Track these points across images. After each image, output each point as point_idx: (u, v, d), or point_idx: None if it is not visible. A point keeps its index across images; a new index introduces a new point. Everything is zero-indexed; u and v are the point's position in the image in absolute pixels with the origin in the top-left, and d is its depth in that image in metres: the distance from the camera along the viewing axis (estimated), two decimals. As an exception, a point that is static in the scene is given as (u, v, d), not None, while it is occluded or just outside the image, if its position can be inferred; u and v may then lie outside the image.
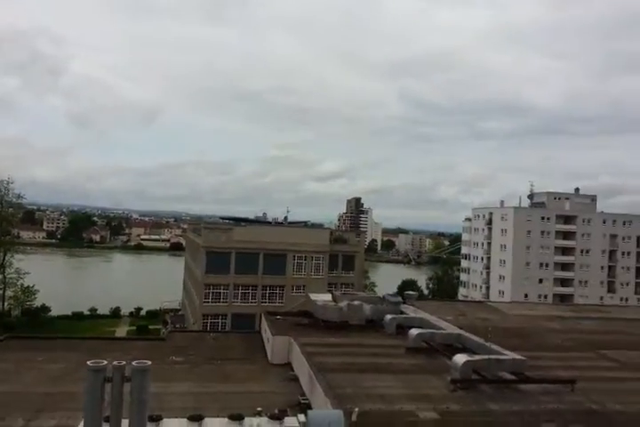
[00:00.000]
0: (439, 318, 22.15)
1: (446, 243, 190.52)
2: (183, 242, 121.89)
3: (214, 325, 43.59)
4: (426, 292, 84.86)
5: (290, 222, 56.87)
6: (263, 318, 23.07)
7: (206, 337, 24.02)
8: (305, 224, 59.44)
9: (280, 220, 57.52)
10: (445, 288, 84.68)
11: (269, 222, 56.72)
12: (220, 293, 44.67)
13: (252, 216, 60.41)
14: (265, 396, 14.16)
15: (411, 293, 29.11)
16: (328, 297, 24.53)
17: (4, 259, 55.97)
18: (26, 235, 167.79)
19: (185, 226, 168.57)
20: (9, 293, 57.40)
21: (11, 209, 60.54)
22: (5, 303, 57.79)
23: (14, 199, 59.05)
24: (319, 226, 65.38)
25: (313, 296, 24.40)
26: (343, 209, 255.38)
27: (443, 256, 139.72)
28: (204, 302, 44.21)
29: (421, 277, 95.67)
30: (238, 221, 55.39)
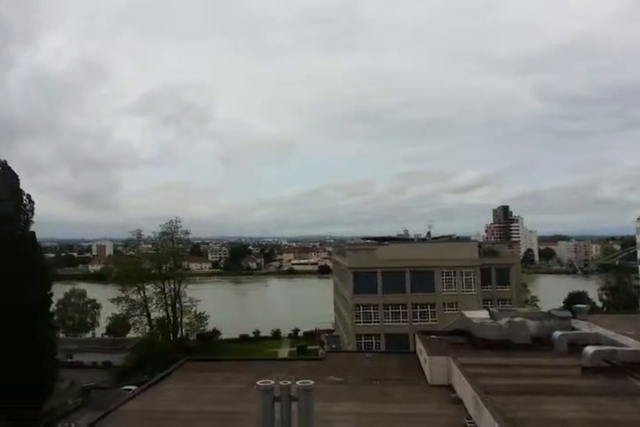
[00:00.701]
0: (619, 333, 19.54)
1: (617, 247, 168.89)
2: (330, 264, 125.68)
3: (368, 345, 43.79)
4: (599, 304, 75.69)
5: (433, 238, 55.49)
6: (417, 338, 22.56)
7: (362, 357, 24.18)
8: (450, 238, 57.53)
9: (423, 236, 56.43)
10: (622, 299, 74.61)
11: (412, 239, 55.95)
12: (369, 313, 44.91)
13: (393, 234, 60.20)
14: (429, 418, 13.72)
15: (581, 306, 26.18)
16: (485, 314, 23.17)
17: (178, 289, 63.30)
18: (194, 266, 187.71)
19: (329, 249, 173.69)
20: (185, 320, 64.43)
21: (180, 244, 68.66)
22: (183, 329, 64.89)
23: (182, 235, 67.11)
24: (465, 239, 62.82)
25: (468, 314, 23.26)
26: (489, 220, 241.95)
27: (614, 263, 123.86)
28: (356, 322, 44.78)
29: (591, 288, 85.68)
30: (380, 240, 55.65)
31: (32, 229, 37.22)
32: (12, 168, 37.07)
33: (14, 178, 37.10)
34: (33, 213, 37.47)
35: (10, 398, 32.54)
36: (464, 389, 15.10)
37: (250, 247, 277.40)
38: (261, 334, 72.66)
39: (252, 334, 72.24)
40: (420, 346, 21.49)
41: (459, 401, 15.24)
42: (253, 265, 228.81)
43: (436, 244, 50.69)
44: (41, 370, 34.14)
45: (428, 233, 56.31)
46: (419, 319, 44.21)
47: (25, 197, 37.21)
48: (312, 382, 6.82)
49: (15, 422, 32.65)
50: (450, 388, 16.82)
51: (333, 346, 53.28)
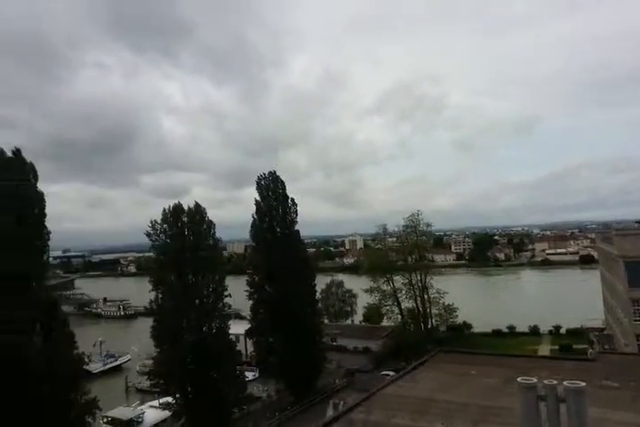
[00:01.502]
0: None
1: None
2: (594, 254, 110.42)
3: (653, 347, 36.88)
4: None
5: None
6: None
7: (645, 362, 20.49)
8: None
9: None
10: None
11: None
12: (652, 309, 37.80)
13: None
14: None
15: None
16: None
17: (425, 280, 64.38)
18: (438, 258, 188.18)
19: (592, 236, 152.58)
20: (434, 310, 65.07)
21: (423, 237, 69.71)
22: (432, 320, 65.69)
23: (425, 228, 67.99)
24: None
25: None
26: None
27: None
28: (635, 320, 38.23)
29: None
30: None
31: (297, 228, 43.11)
32: (280, 177, 43.76)
33: (282, 185, 43.57)
34: (297, 214, 43.41)
35: (290, 375, 38.03)
36: None
37: (496, 237, 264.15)
38: (517, 330, 68.39)
39: (505, 329, 68.62)
40: None
41: None
42: (501, 256, 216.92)
43: None
44: (312, 351, 38.95)
45: None
46: None
47: (290, 201, 43.37)
48: (583, 384, 6.06)
49: (295, 396, 37.97)
50: None
51: (606, 346, 46.69)
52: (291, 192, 44.01)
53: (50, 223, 27.02)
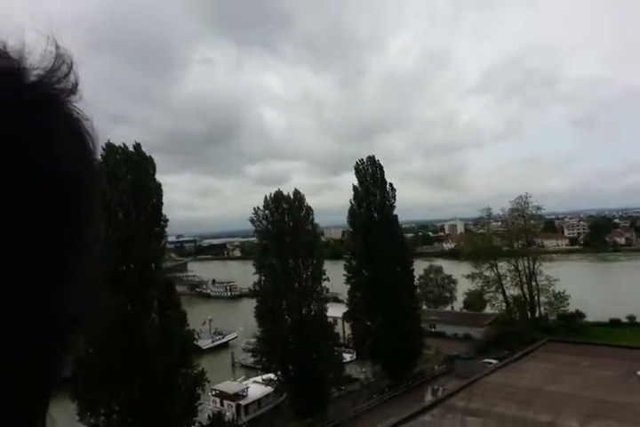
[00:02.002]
0: None
1: None
2: None
3: None
4: None
5: None
6: None
7: None
8: None
9: None
10: None
11: None
12: None
13: None
14: None
15: None
16: None
17: (533, 267, 60.66)
18: (549, 243, 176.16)
19: None
20: (543, 298, 61.26)
21: (532, 221, 65.52)
22: (541, 308, 61.90)
23: (534, 211, 63.85)
24: None
25: None
26: None
27: None
28: None
29: None
30: None
31: (395, 213, 42.90)
32: (378, 161, 43.58)
33: (380, 170, 43.41)
34: (395, 199, 43.18)
35: (388, 358, 38.12)
36: None
37: (615, 220, 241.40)
38: (638, 320, 62.36)
39: (625, 319, 62.85)
40: None
41: None
42: (621, 240, 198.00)
43: None
44: (410, 336, 38.68)
45: None
46: None
47: (388, 186, 43.21)
48: None
49: (392, 380, 38.01)
50: None
51: None
52: (388, 177, 43.80)
53: (165, 211, 29.57)
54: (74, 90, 0.44)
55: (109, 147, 29.07)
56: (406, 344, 37.98)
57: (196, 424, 27.79)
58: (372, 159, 43.64)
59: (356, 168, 43.51)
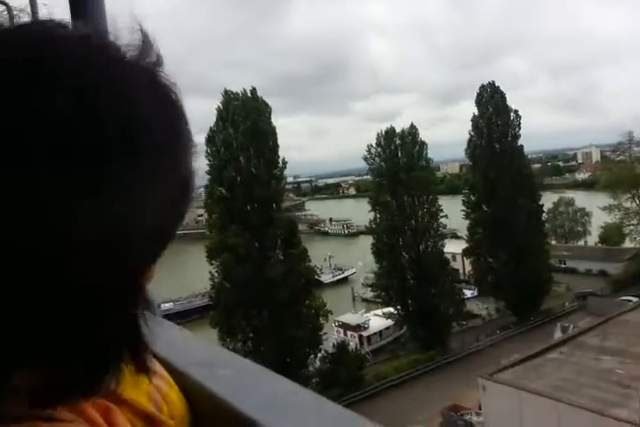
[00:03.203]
0: None
1: None
2: None
3: None
4: None
5: None
6: None
7: None
8: None
9: None
10: None
11: None
12: None
13: None
14: None
15: None
16: None
17: None
18: None
19: None
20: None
21: None
22: None
23: None
24: None
25: None
26: None
27: None
28: None
29: None
30: None
31: (519, 142, 39.74)
32: (500, 87, 40.20)
33: (502, 97, 40.04)
34: (519, 128, 39.92)
35: (511, 294, 36.98)
36: None
37: None
38: None
39: None
40: None
41: None
42: None
43: None
44: (536, 272, 36.90)
45: None
46: None
47: (512, 113, 39.90)
48: None
49: (517, 316, 36.96)
50: None
51: None
52: (512, 103, 40.66)
53: (281, 153, 30.74)
54: (160, 62, 0.49)
55: (227, 94, 30.32)
56: (532, 280, 36.41)
57: (322, 351, 29.82)
58: (492, 85, 40.40)
59: (476, 96, 40.76)
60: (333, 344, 30.70)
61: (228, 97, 30.49)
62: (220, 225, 28.74)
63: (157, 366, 0.65)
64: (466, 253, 41.30)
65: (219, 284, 28.71)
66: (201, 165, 0.50)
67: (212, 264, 29.03)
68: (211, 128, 29.81)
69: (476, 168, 40.32)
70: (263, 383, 0.71)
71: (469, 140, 40.26)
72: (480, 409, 21.00)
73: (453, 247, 42.85)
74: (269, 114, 30.58)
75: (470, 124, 40.52)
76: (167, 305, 38.22)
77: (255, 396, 0.64)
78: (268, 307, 27.61)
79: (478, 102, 40.45)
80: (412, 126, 35.79)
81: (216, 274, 28.92)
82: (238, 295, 27.50)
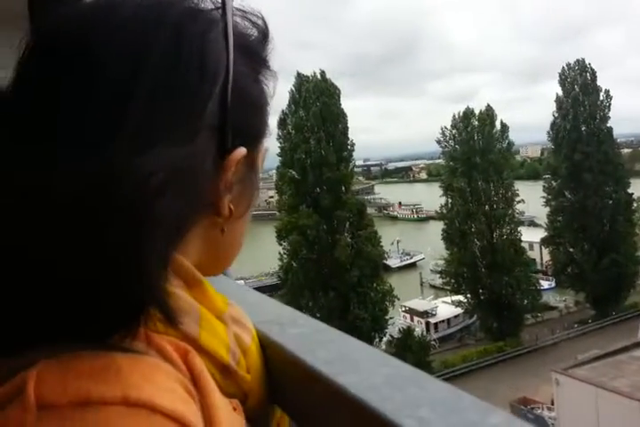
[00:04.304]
0: None
1: None
2: None
3: None
4: None
5: None
6: None
7: None
8: None
9: None
10: None
11: None
12: None
13: None
14: None
15: None
16: None
17: None
18: None
19: None
20: None
21: None
22: None
23: None
24: None
25: None
26: None
27: None
28: None
29: None
30: None
31: (609, 124, 36.92)
32: (589, 65, 37.36)
33: (592, 75, 37.29)
34: (609, 109, 37.07)
35: (592, 288, 34.98)
36: None
37: None
38: None
39: None
40: None
41: None
42: None
43: None
44: (622, 265, 34.57)
45: None
46: None
47: (602, 93, 37.16)
48: None
49: (597, 311, 34.83)
50: None
51: None
52: (602, 83, 37.64)
53: (350, 136, 30.65)
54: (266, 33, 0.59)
55: (299, 76, 30.57)
56: (616, 273, 34.12)
57: (387, 336, 29.78)
58: (580, 63, 37.62)
59: (560, 75, 38.13)
60: (399, 329, 30.53)
61: (300, 79, 30.72)
62: (290, 206, 29.20)
63: (244, 318, 0.66)
64: (544, 242, 39.34)
65: (287, 264, 29.33)
66: (272, 147, 0.55)
67: (281, 245, 29.65)
68: (283, 111, 30.21)
69: (559, 152, 38.00)
70: (333, 341, 0.72)
71: (553, 122, 38.01)
72: (552, 404, 20.17)
73: (531, 236, 41.01)
74: (339, 96, 30.61)
75: (554, 104, 38.19)
76: (239, 282, 39.58)
77: (325, 351, 0.66)
78: (335, 288, 27.87)
79: (563, 81, 37.95)
80: (489, 107, 34.66)
81: (285, 254, 29.51)
82: (306, 276, 27.98)
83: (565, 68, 37.88)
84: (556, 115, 37.72)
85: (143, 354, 0.44)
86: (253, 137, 0.57)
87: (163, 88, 0.44)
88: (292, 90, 30.59)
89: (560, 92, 37.85)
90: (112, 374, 0.38)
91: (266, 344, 0.70)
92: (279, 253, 29.88)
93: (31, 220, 0.39)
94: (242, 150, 0.52)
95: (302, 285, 28.00)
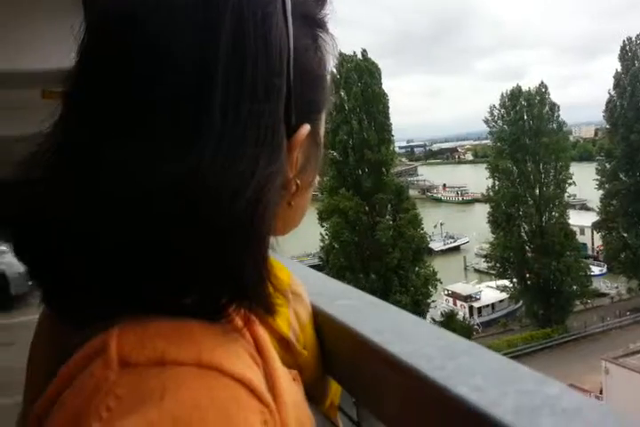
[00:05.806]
0: None
1: None
2: None
3: None
4: None
5: None
6: None
7: None
8: None
9: None
10: None
11: None
12: None
13: None
14: None
15: None
16: None
17: None
18: None
19: None
20: None
21: None
22: None
23: None
24: None
25: None
26: None
27: None
28: None
29: None
30: None
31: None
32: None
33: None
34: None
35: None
36: None
37: None
38: None
39: None
40: None
41: None
42: None
43: None
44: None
45: None
46: None
47: None
48: None
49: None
50: None
51: None
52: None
53: (394, 116, 29.90)
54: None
55: (340, 55, 29.88)
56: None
57: (429, 319, 29.57)
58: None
59: (620, 50, 35.86)
60: (442, 313, 30.25)
61: (342, 59, 30.25)
62: (332, 188, 29.10)
63: (304, 294, 0.69)
64: (597, 226, 37.70)
65: (329, 245, 29.42)
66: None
67: (322, 226, 29.71)
68: (324, 91, 29.86)
69: (614, 132, 36.02)
70: (383, 313, 0.73)
71: (609, 101, 35.89)
72: (601, 393, 19.57)
73: (582, 220, 39.48)
74: (380, 76, 30.02)
75: (611, 82, 36.03)
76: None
77: (377, 322, 0.67)
78: (376, 271, 27.79)
79: (623, 56, 35.63)
80: (542, 85, 33.24)
81: (326, 236, 29.58)
82: (347, 258, 28.01)
83: (626, 41, 35.60)
84: (613, 92, 35.65)
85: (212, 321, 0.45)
86: (315, 111, 0.56)
87: (236, 79, 0.43)
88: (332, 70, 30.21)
89: (619, 68, 35.74)
90: (186, 337, 0.40)
91: (318, 316, 0.72)
92: (321, 234, 29.99)
93: (177, 206, 0.40)
94: (306, 128, 0.50)
95: (344, 266, 28.09)
